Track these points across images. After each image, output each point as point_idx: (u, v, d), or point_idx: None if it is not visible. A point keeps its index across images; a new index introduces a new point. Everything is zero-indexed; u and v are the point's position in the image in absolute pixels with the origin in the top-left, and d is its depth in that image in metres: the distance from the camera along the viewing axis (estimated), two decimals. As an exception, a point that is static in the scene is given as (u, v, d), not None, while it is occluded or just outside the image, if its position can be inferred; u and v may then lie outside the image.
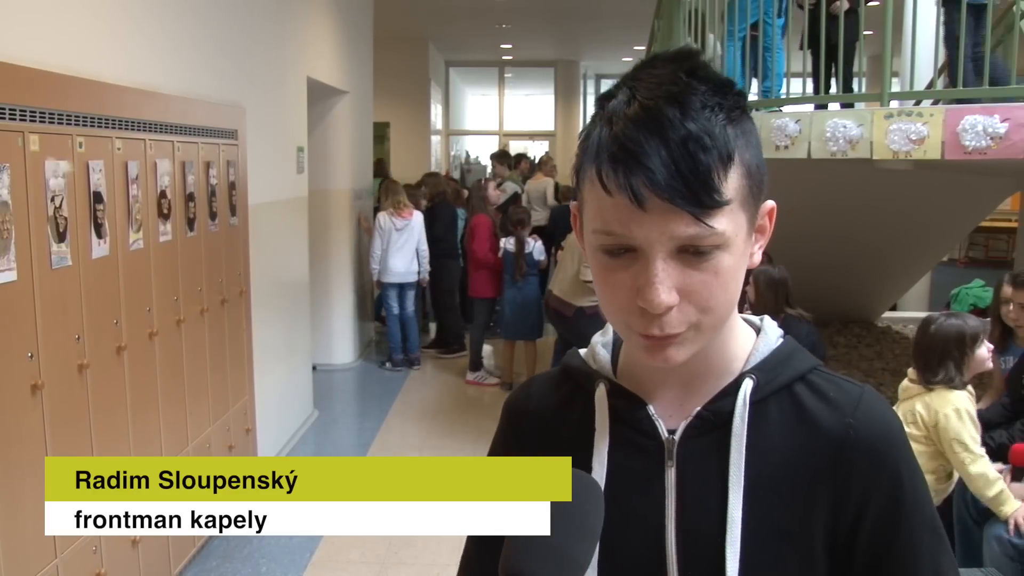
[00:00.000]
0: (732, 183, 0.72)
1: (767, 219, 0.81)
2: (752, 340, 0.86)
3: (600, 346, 0.91)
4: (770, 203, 0.81)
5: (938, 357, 2.77)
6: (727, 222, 0.72)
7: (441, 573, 3.52)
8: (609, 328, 0.90)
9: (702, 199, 0.70)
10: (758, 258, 0.81)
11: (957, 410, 2.68)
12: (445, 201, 6.97)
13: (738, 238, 0.74)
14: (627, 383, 0.87)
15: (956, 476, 2.82)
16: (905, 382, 2.90)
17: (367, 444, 5.09)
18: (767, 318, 0.89)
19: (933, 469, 2.77)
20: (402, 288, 6.49)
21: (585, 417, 0.87)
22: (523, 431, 0.94)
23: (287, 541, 3.78)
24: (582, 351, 0.93)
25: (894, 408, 2.81)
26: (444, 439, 5.13)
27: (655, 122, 0.70)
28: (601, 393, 0.87)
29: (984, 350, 2.81)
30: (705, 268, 0.73)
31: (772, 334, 0.87)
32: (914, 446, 2.60)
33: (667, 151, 0.69)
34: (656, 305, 0.72)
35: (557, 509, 0.72)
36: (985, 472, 2.66)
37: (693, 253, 0.72)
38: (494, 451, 0.97)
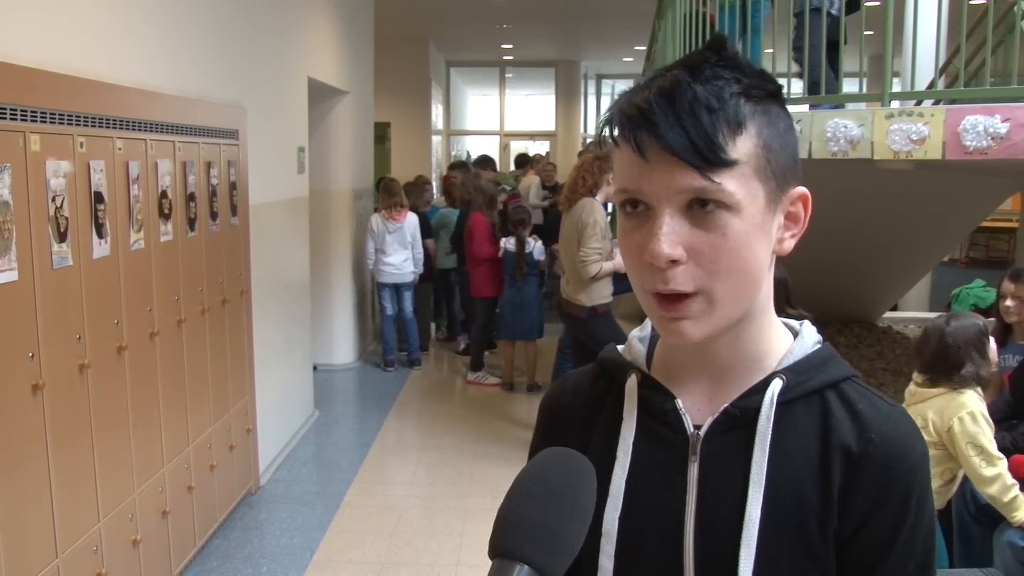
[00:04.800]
0: (743, 148, 0.74)
1: (800, 206, 0.81)
2: (789, 342, 0.86)
3: (637, 340, 0.92)
4: (801, 189, 0.81)
5: (962, 357, 2.74)
6: (736, 184, 0.74)
7: (441, 573, 3.53)
8: (648, 323, 0.91)
9: (703, 152, 0.72)
10: (788, 246, 0.81)
11: (972, 413, 2.67)
12: (467, 207, 6.63)
13: (752, 207, 0.75)
14: (659, 375, 0.88)
15: (959, 479, 2.81)
16: (912, 386, 2.88)
17: (367, 444, 5.09)
18: (807, 323, 0.89)
19: (940, 473, 2.75)
20: (397, 288, 6.50)
21: (616, 408, 0.88)
22: (555, 425, 0.96)
23: (287, 541, 3.78)
24: (620, 346, 0.94)
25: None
26: (444, 439, 5.13)
27: (669, 86, 0.75)
28: (632, 384, 0.88)
29: (993, 345, 2.82)
30: (713, 228, 0.74)
31: (809, 338, 0.87)
32: None
33: (673, 111, 0.73)
34: (656, 255, 0.74)
35: (549, 490, 0.71)
36: (1002, 475, 2.64)
37: (700, 209, 0.74)
38: (533, 449, 0.99)
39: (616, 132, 0.78)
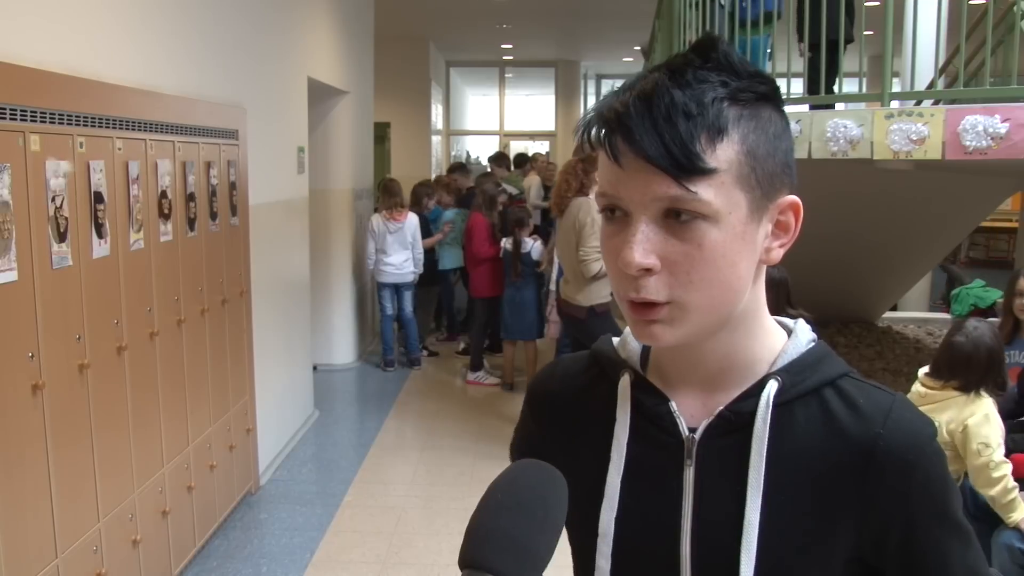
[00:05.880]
0: (723, 155, 0.71)
1: (791, 215, 0.78)
2: (782, 342, 0.84)
3: (631, 337, 0.90)
4: (792, 197, 0.78)
5: (1001, 371, 2.78)
6: (715, 194, 0.71)
7: (441, 573, 3.52)
8: None
9: (679, 160, 0.70)
10: (777, 256, 0.79)
11: (987, 415, 2.71)
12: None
13: (732, 216, 0.73)
14: (653, 377, 0.86)
15: (960, 481, 2.83)
16: (921, 388, 2.87)
17: (367, 444, 5.09)
18: (801, 321, 0.87)
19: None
20: (397, 288, 6.51)
21: (608, 405, 0.87)
22: (543, 413, 0.95)
23: (287, 541, 3.78)
24: (615, 339, 0.92)
25: None
26: (444, 439, 5.13)
27: (648, 90, 0.72)
28: (625, 383, 0.86)
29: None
30: (689, 238, 0.72)
31: (803, 337, 0.85)
32: None
33: (650, 116, 0.71)
34: (627, 263, 0.72)
35: (519, 502, 0.71)
36: (1006, 477, 2.69)
37: (677, 219, 0.72)
38: (518, 432, 0.99)
39: (593, 136, 0.76)
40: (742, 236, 0.74)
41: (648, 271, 0.73)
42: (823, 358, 0.83)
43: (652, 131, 0.70)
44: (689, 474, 0.82)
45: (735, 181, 0.72)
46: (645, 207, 0.72)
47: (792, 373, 0.81)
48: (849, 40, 5.05)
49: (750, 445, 0.79)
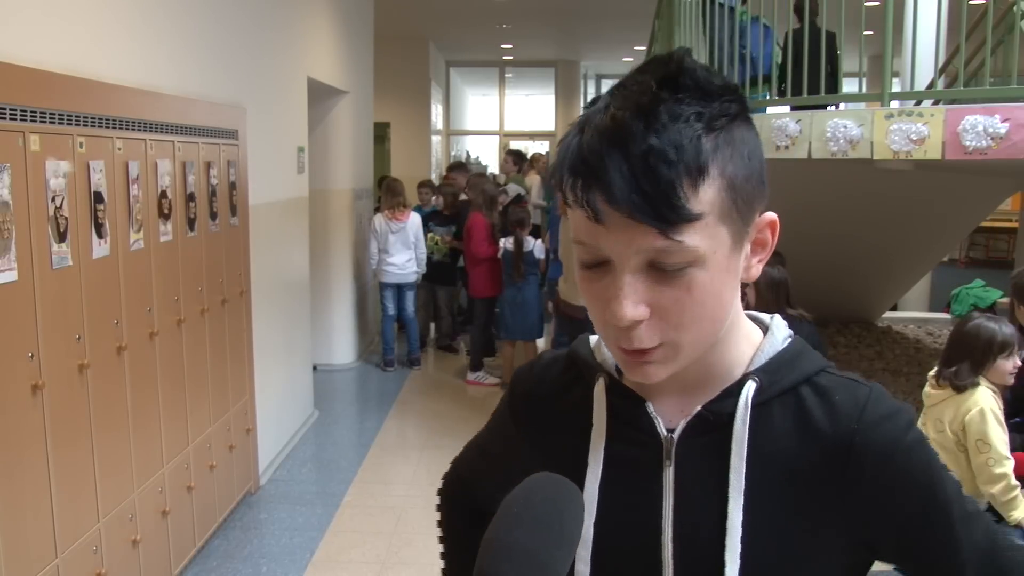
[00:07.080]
0: (706, 197, 0.68)
1: (768, 232, 0.78)
2: (758, 340, 0.83)
3: None
4: (769, 215, 0.77)
5: (960, 355, 2.75)
6: (700, 238, 0.69)
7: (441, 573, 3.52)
8: None
9: (664, 214, 0.67)
10: (756, 272, 0.77)
11: (982, 410, 2.67)
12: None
13: (717, 254, 0.71)
14: (629, 380, 0.85)
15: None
16: (927, 388, 2.88)
17: (367, 444, 5.09)
18: (777, 317, 0.86)
19: (969, 479, 2.72)
20: (400, 288, 6.51)
21: (584, 408, 0.86)
22: (522, 407, 0.95)
23: (287, 541, 3.78)
24: (593, 338, 0.91)
25: (919, 416, 2.81)
26: (444, 439, 5.13)
27: (619, 135, 0.68)
28: (600, 387, 0.86)
29: (1010, 364, 2.76)
30: (677, 284, 0.70)
31: (779, 334, 0.84)
32: (943, 456, 2.61)
33: (628, 166, 0.67)
34: (619, 319, 0.71)
35: (535, 515, 0.70)
36: (1007, 475, 2.66)
37: (663, 269, 0.70)
38: (494, 417, 0.99)
39: (567, 190, 0.71)
40: (727, 269, 0.73)
41: (639, 322, 0.72)
42: (800, 354, 0.82)
43: (632, 183, 0.67)
44: (669, 475, 0.81)
45: (718, 220, 0.70)
46: (629, 258, 0.70)
47: (770, 372, 0.80)
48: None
49: (730, 446, 0.78)
